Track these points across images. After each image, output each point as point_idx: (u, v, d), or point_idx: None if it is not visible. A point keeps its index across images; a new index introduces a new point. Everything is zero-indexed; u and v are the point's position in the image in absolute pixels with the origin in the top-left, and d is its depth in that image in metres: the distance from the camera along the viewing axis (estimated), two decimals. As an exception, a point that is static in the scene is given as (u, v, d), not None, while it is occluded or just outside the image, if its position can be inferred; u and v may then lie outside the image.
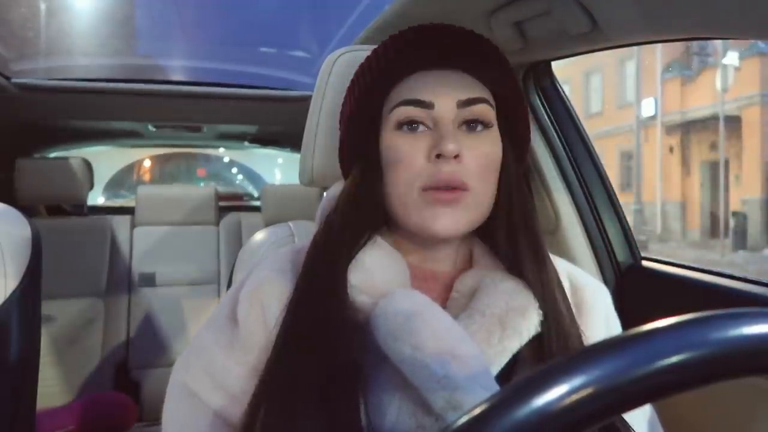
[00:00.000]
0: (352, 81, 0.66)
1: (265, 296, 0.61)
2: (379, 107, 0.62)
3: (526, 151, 0.68)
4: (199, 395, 0.61)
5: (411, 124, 0.59)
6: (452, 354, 0.52)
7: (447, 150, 0.56)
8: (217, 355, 0.62)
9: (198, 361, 0.63)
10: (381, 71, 0.62)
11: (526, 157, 0.68)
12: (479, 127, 0.60)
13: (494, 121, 0.61)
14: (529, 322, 0.57)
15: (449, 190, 0.57)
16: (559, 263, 0.67)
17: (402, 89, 0.61)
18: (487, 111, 0.60)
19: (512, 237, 0.62)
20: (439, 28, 0.63)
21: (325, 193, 0.74)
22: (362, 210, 0.62)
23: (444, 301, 0.62)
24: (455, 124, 0.59)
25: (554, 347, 0.57)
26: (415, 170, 0.58)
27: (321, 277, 0.59)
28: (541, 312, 0.58)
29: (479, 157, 0.59)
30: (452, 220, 0.58)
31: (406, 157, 0.59)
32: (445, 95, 0.59)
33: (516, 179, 0.64)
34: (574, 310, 0.62)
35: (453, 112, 0.59)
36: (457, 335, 0.54)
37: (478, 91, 0.60)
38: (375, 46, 0.65)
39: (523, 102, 0.65)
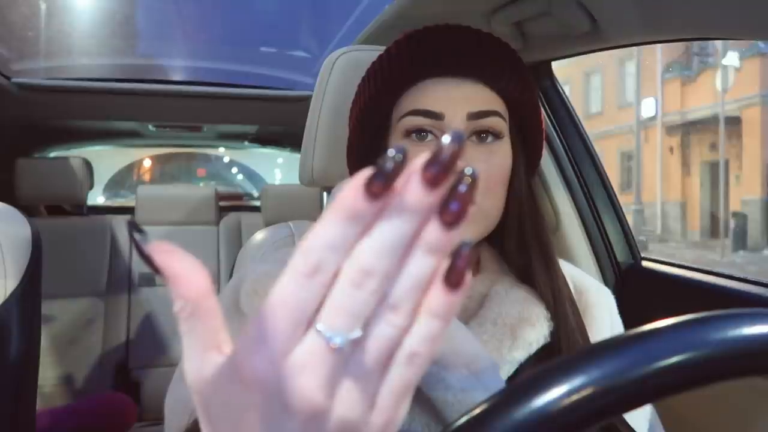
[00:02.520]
0: (363, 80, 0.65)
1: (270, 288, 0.60)
2: (389, 112, 0.61)
3: (538, 160, 0.66)
4: None
5: (419, 133, 0.58)
6: (469, 368, 0.51)
7: None
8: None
9: None
10: (392, 76, 0.60)
11: (537, 165, 0.67)
12: (489, 138, 0.58)
13: (505, 133, 0.60)
14: (539, 334, 0.57)
15: None
16: (561, 266, 0.66)
17: (412, 96, 0.59)
18: (498, 123, 0.58)
19: (523, 247, 0.61)
20: (453, 32, 0.61)
21: (326, 194, 0.74)
22: None
23: None
24: (465, 136, 0.58)
25: None
26: None
27: None
28: (551, 323, 0.58)
29: (487, 171, 0.57)
30: None
31: None
32: (456, 106, 0.57)
33: (527, 189, 0.62)
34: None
35: (463, 123, 0.57)
36: (475, 348, 0.53)
37: (491, 102, 0.58)
38: (375, 47, 0.65)
39: (539, 111, 0.64)
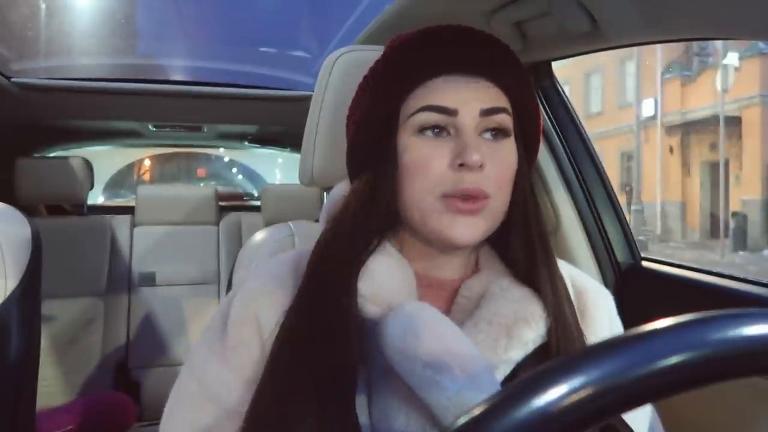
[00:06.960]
0: (366, 79, 0.64)
1: (260, 307, 0.60)
2: (396, 110, 0.60)
3: (535, 158, 0.67)
4: (195, 412, 0.61)
5: (435, 129, 0.58)
6: (462, 369, 0.51)
7: (472, 160, 0.55)
8: (211, 370, 0.61)
9: (194, 376, 0.62)
10: (402, 73, 0.60)
11: (533, 163, 0.68)
12: (500, 136, 0.59)
13: (512, 130, 0.61)
14: (535, 333, 0.57)
15: (471, 200, 0.56)
16: (560, 266, 0.66)
17: (423, 93, 0.59)
18: (506, 120, 0.59)
19: (529, 246, 0.61)
20: (460, 31, 0.61)
21: (326, 194, 0.74)
22: (374, 213, 0.60)
23: (448, 306, 0.61)
24: (477, 132, 0.58)
25: None
26: (436, 177, 0.57)
27: (328, 282, 0.57)
28: (548, 322, 0.57)
29: (500, 167, 0.58)
30: (471, 228, 0.57)
31: (428, 162, 0.57)
32: (469, 103, 0.57)
33: (530, 187, 0.63)
34: (578, 316, 0.62)
35: (476, 120, 0.58)
36: (468, 349, 0.53)
37: (499, 99, 0.59)
38: (375, 46, 0.64)
39: (538, 110, 0.65)
